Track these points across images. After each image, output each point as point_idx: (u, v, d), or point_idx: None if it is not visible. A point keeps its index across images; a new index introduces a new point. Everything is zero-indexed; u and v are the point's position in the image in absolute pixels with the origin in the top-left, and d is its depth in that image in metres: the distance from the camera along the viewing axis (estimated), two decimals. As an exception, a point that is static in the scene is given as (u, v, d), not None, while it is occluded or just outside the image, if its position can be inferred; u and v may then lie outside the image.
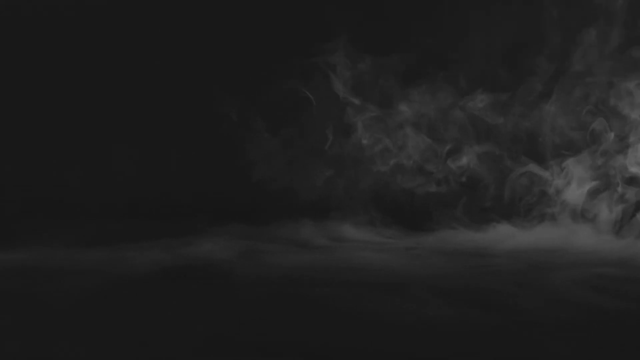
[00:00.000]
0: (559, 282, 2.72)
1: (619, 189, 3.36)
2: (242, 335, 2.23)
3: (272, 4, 3.63)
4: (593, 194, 3.38)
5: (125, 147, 3.66)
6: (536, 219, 3.42)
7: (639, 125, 3.39)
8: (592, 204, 3.38)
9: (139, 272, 2.83)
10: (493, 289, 2.65)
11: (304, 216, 3.46)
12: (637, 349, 2.14)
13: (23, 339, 2.22)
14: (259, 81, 3.62)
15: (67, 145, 3.65)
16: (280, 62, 3.58)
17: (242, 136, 3.60)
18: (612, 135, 3.41)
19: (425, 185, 3.54)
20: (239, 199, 3.55)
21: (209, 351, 2.12)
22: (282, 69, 3.57)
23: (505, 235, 3.36)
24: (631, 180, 3.37)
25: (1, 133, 3.62)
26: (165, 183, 3.62)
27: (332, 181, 3.60)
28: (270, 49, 3.61)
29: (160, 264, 2.92)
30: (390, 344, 2.17)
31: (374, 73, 3.57)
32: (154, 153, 3.65)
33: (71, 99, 3.66)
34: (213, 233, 3.29)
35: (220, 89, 3.59)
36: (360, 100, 3.58)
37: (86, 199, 3.57)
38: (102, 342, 2.19)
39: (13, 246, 3.10)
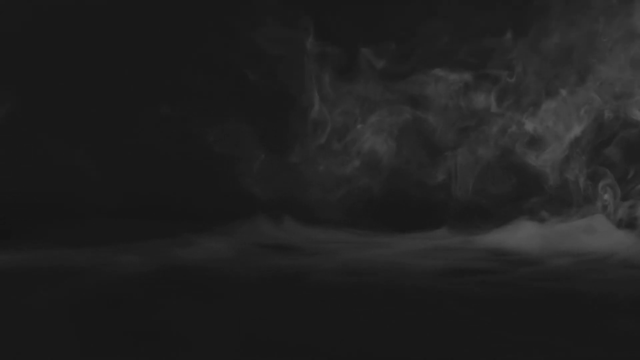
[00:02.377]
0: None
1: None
2: (241, 337, 2.24)
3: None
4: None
5: (123, 147, 3.67)
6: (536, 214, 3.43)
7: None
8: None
9: (134, 272, 2.83)
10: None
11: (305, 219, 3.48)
12: None
13: (21, 339, 2.22)
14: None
15: (63, 144, 3.65)
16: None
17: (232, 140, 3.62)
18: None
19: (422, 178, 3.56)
20: (232, 200, 3.56)
21: (205, 352, 2.13)
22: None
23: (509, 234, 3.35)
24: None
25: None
26: (160, 183, 3.64)
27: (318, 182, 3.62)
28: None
29: (156, 265, 2.91)
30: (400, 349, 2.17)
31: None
32: (150, 153, 3.66)
33: (66, 97, 3.68)
34: (209, 233, 3.28)
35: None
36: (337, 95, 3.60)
37: (82, 198, 3.57)
38: (99, 342, 2.20)
39: (13, 246, 3.10)
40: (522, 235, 3.28)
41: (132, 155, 3.64)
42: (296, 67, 3.58)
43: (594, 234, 3.27)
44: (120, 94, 3.66)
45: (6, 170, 3.56)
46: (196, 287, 2.69)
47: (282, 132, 3.61)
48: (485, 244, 3.26)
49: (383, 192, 3.58)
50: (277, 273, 2.86)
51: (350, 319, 2.38)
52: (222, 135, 3.61)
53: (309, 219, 3.45)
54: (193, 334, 2.24)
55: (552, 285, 2.70)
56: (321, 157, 3.59)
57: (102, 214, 3.48)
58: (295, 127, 3.60)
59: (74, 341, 2.19)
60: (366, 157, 3.60)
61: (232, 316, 2.40)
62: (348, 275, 2.84)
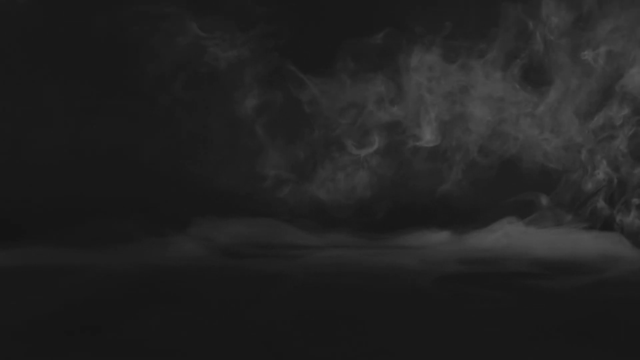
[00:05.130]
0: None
1: None
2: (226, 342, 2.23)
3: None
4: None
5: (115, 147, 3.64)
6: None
7: None
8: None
9: (120, 272, 2.82)
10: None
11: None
12: None
13: (19, 338, 2.23)
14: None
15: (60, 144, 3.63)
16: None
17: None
18: None
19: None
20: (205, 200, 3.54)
21: (199, 352, 2.12)
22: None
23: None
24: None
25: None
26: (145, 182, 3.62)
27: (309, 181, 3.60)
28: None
29: (142, 264, 2.91)
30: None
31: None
32: (139, 152, 3.64)
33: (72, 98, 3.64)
34: (184, 234, 3.27)
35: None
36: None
37: (74, 198, 3.53)
38: (95, 342, 2.21)
39: (13, 246, 3.08)
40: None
41: (88, 156, 3.60)
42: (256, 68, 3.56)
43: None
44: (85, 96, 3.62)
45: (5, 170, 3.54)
46: (176, 290, 2.68)
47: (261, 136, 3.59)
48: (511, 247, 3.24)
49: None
50: (262, 274, 2.85)
51: (343, 322, 2.37)
52: (194, 135, 3.59)
53: (291, 219, 3.43)
54: (176, 339, 2.24)
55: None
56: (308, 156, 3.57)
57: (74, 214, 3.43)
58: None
59: (71, 341, 2.20)
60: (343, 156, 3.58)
61: (214, 321, 2.39)
62: (332, 277, 2.84)
